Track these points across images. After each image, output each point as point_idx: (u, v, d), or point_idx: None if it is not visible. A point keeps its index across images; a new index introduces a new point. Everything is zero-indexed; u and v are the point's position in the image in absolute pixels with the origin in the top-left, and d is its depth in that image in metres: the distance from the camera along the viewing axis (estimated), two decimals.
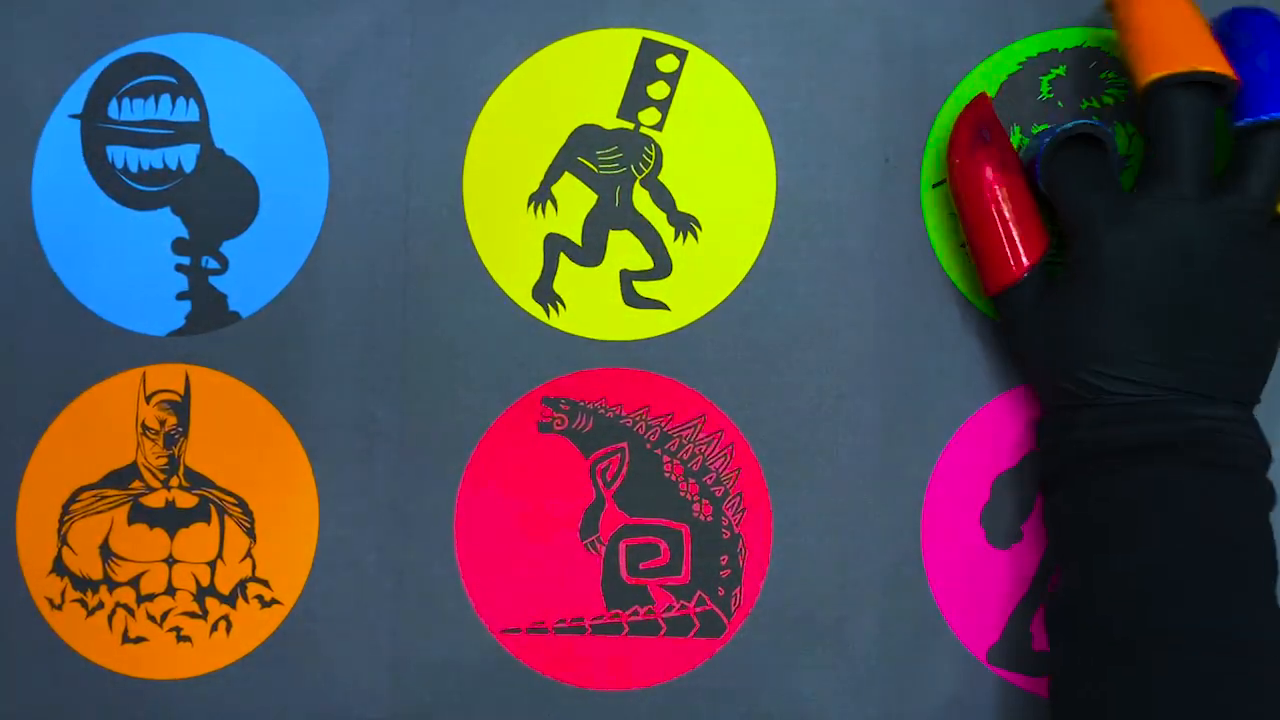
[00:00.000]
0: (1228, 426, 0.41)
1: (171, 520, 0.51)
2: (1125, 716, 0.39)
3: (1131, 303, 0.42)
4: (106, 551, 0.51)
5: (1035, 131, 0.50)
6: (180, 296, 0.52)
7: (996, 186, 0.45)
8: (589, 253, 0.51)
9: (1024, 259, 0.45)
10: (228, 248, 0.52)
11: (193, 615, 0.51)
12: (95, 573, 0.51)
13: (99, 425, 0.51)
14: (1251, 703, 0.37)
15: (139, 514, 0.51)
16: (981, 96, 0.46)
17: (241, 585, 0.51)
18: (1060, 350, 0.44)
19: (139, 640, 0.51)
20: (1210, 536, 0.40)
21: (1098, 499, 0.43)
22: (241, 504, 0.51)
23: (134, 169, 0.52)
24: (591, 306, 0.51)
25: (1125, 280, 0.42)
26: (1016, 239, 0.45)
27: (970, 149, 0.46)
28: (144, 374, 0.52)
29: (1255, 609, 0.40)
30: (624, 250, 0.51)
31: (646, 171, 0.51)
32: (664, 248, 0.51)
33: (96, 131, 0.52)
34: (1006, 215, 0.45)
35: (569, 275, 0.51)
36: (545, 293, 0.51)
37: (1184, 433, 0.41)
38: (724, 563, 0.50)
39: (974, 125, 0.46)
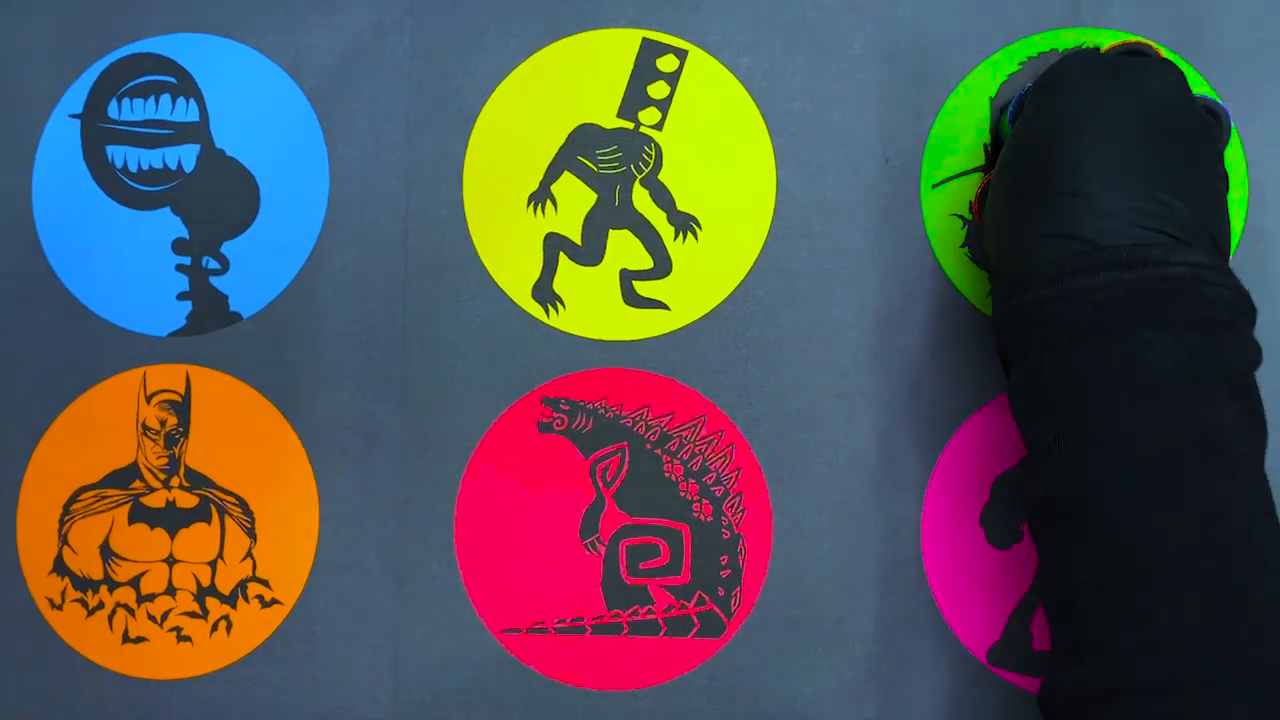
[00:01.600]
0: (1207, 275, 0.38)
1: (172, 520, 0.51)
2: (1107, 609, 0.37)
3: (1100, 126, 0.40)
4: (107, 551, 0.51)
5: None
6: (181, 297, 0.52)
7: None
8: (589, 252, 0.51)
9: None
10: (228, 248, 0.52)
11: (193, 615, 0.51)
12: (96, 573, 0.51)
13: (99, 425, 0.51)
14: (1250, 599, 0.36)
15: (139, 514, 0.51)
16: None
17: (242, 585, 0.51)
18: (1036, 181, 0.41)
19: (139, 640, 0.51)
20: (1194, 417, 0.37)
21: (1064, 379, 0.39)
22: (242, 504, 0.51)
23: (134, 169, 0.52)
24: (591, 306, 0.51)
25: (1094, 109, 0.40)
26: None
27: None
28: (144, 374, 0.52)
29: (1249, 492, 0.37)
30: (624, 250, 0.51)
31: (646, 171, 0.51)
32: (664, 247, 0.51)
33: (96, 131, 0.52)
34: None
35: (569, 275, 0.51)
36: (545, 293, 0.51)
37: (1160, 281, 0.38)
38: (724, 563, 0.50)
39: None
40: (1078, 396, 0.38)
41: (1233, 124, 0.47)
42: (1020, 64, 0.51)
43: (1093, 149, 0.40)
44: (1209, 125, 0.43)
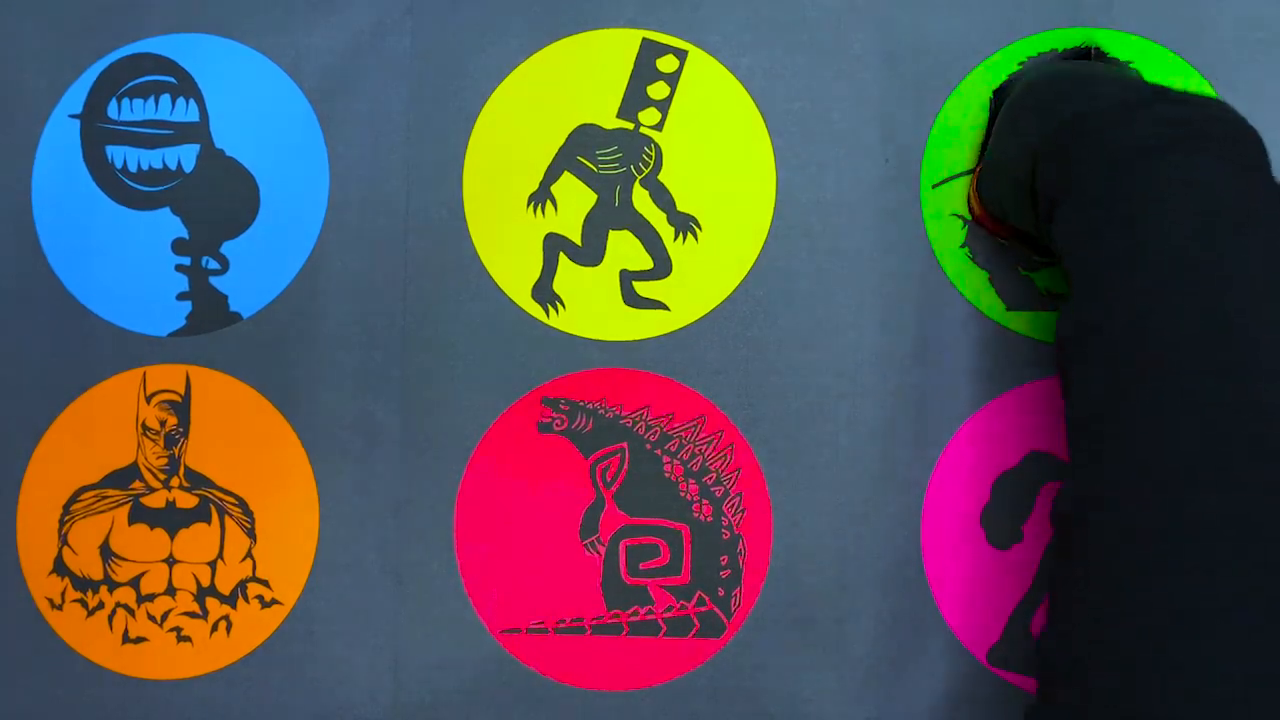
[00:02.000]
0: (1225, 115, 0.41)
1: (172, 520, 0.51)
2: (1144, 433, 0.37)
3: (1089, 66, 0.47)
4: (107, 551, 0.51)
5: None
6: (181, 297, 0.52)
7: None
8: (589, 253, 0.51)
9: None
10: (228, 248, 0.52)
11: (193, 615, 0.51)
12: (95, 573, 0.51)
13: (99, 425, 0.51)
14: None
15: (139, 514, 0.51)
16: None
17: (242, 585, 0.51)
18: (1057, 84, 0.45)
19: (139, 640, 0.51)
20: (1241, 241, 0.38)
21: (1123, 202, 0.40)
22: (242, 504, 0.51)
23: (134, 169, 0.52)
24: (591, 306, 0.51)
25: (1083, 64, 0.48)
26: None
27: None
28: (144, 374, 0.52)
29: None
30: (624, 250, 0.51)
31: (646, 171, 0.51)
32: (664, 248, 0.51)
33: (96, 131, 0.52)
34: None
35: (569, 275, 0.51)
36: (545, 293, 0.51)
37: (1189, 118, 0.40)
38: (724, 563, 0.50)
39: None
40: (1135, 215, 0.39)
41: None
42: (1020, 64, 0.51)
43: (1090, 74, 0.45)
44: None
